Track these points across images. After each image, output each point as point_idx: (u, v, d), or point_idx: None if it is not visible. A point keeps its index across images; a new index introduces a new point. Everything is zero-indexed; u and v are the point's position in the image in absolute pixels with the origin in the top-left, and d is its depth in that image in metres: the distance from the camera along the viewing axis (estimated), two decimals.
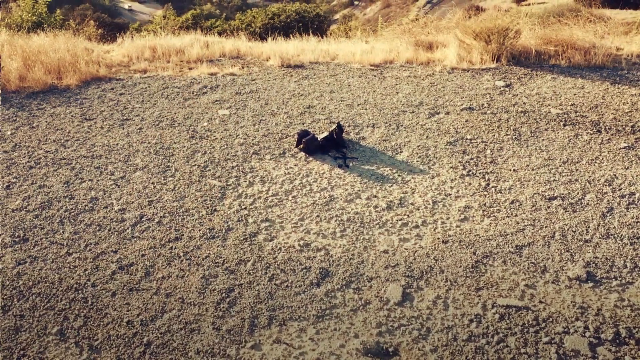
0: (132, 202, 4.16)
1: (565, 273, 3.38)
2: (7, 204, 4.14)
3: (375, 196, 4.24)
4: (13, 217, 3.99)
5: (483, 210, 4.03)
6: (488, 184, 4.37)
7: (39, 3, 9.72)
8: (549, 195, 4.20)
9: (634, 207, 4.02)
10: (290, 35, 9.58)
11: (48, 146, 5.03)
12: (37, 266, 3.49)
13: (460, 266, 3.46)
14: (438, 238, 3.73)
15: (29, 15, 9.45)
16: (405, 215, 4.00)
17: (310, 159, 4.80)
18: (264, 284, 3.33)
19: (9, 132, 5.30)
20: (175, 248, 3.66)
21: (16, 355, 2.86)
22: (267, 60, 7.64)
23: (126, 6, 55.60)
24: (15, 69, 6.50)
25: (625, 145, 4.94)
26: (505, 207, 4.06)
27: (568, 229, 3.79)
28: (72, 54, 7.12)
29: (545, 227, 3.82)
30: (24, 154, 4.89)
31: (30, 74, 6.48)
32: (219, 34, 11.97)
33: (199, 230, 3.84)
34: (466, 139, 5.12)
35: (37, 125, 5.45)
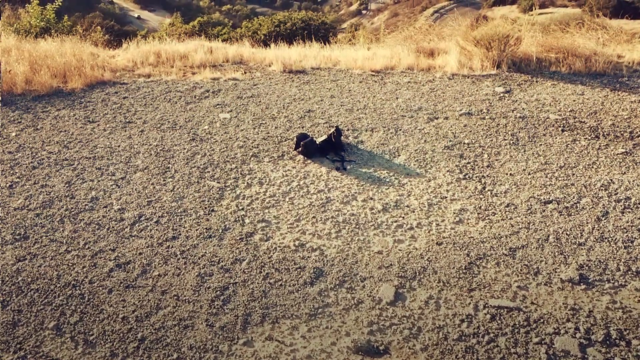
0: (132, 202, 4.23)
1: (558, 275, 3.40)
2: (9, 203, 4.22)
3: (371, 198, 4.27)
4: (15, 216, 4.06)
5: (478, 213, 4.05)
6: (484, 188, 4.39)
7: (47, 9, 9.90)
8: (544, 199, 4.22)
9: (629, 212, 4.03)
10: (294, 43, 9.68)
11: (51, 147, 5.12)
12: (37, 263, 3.56)
13: (454, 267, 3.48)
14: (432, 240, 3.76)
15: (38, 21, 9.63)
16: (400, 217, 4.03)
17: (309, 161, 4.85)
18: (258, 283, 3.37)
19: (13, 134, 5.40)
20: (172, 247, 3.71)
21: (13, 349, 2.91)
22: (270, 65, 7.73)
23: (135, 15, 56.22)
24: (22, 73, 6.62)
25: (623, 150, 4.95)
26: (500, 210, 4.08)
27: (562, 232, 3.81)
28: (78, 59, 7.25)
29: (540, 230, 3.84)
30: (28, 154, 4.98)
31: (36, 78, 6.60)
32: (224, 41, 12.11)
33: (196, 230, 3.90)
34: (464, 143, 5.15)
35: (42, 127, 5.55)
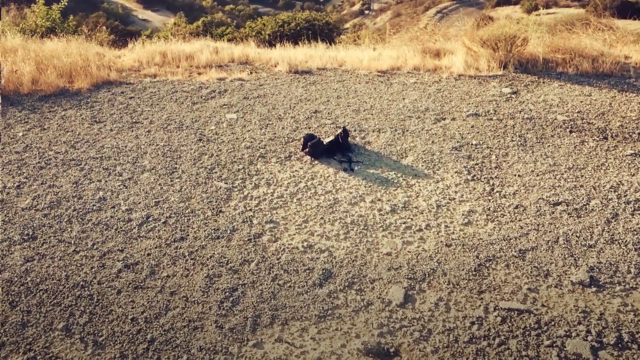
0: (139, 203, 4.22)
1: (569, 277, 3.38)
2: (17, 203, 4.22)
3: (379, 199, 4.26)
4: (23, 216, 4.06)
5: (487, 215, 4.04)
6: (492, 189, 4.38)
7: (52, 9, 9.91)
8: (553, 200, 4.20)
9: (639, 213, 4.01)
10: (299, 43, 9.67)
11: (58, 147, 5.12)
12: (45, 263, 3.55)
13: (463, 269, 3.47)
14: (441, 241, 3.75)
15: (43, 21, 9.64)
16: (409, 218, 4.02)
17: (316, 162, 4.84)
18: (267, 284, 3.36)
19: (20, 134, 5.40)
20: (181, 248, 3.71)
21: (22, 349, 2.91)
22: (275, 66, 7.72)
23: (140, 16, 55.94)
24: (29, 73, 6.62)
25: (632, 152, 4.93)
26: (509, 212, 4.06)
27: (572, 234, 3.79)
28: (84, 59, 7.25)
29: (549, 232, 3.82)
30: (35, 154, 4.98)
31: (42, 78, 6.61)
32: (229, 41, 12.11)
33: (204, 230, 3.89)
34: (471, 144, 5.13)
35: (48, 127, 5.55)
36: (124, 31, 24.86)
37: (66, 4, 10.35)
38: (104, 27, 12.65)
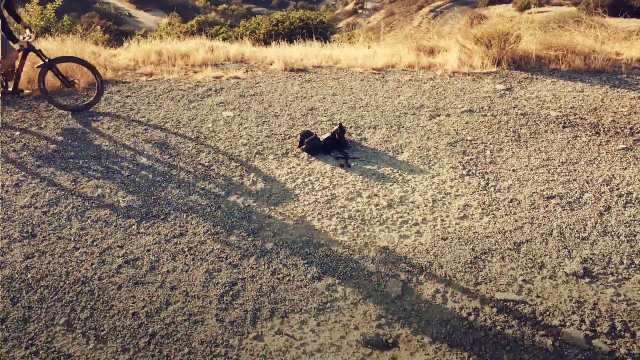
0: (138, 200, 4.25)
1: (563, 269, 3.44)
2: (16, 201, 4.24)
3: (376, 195, 4.31)
4: (22, 214, 4.08)
5: (482, 209, 4.10)
6: (487, 184, 4.44)
7: (47, 9, 9.88)
8: (547, 194, 4.27)
9: (631, 206, 4.08)
10: (294, 41, 9.70)
11: (56, 146, 5.13)
12: (45, 260, 3.58)
13: (459, 262, 3.52)
14: (437, 235, 3.80)
15: (38, 20, 9.61)
16: (405, 213, 4.07)
17: (313, 159, 4.89)
18: (266, 278, 3.40)
19: (17, 133, 5.40)
20: (180, 243, 3.74)
21: (25, 344, 2.93)
22: (271, 64, 7.75)
23: (134, 16, 55.77)
24: (25, 72, 6.60)
25: (624, 146, 5.01)
26: (504, 206, 4.13)
27: (566, 227, 3.85)
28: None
29: (543, 224, 3.89)
30: (33, 153, 4.99)
31: None
32: (224, 40, 12.13)
33: (203, 226, 3.92)
34: (466, 140, 5.19)
35: (45, 126, 5.56)
36: (117, 31, 24.79)
37: (60, 3, 10.33)
38: (98, 26, 12.61)
